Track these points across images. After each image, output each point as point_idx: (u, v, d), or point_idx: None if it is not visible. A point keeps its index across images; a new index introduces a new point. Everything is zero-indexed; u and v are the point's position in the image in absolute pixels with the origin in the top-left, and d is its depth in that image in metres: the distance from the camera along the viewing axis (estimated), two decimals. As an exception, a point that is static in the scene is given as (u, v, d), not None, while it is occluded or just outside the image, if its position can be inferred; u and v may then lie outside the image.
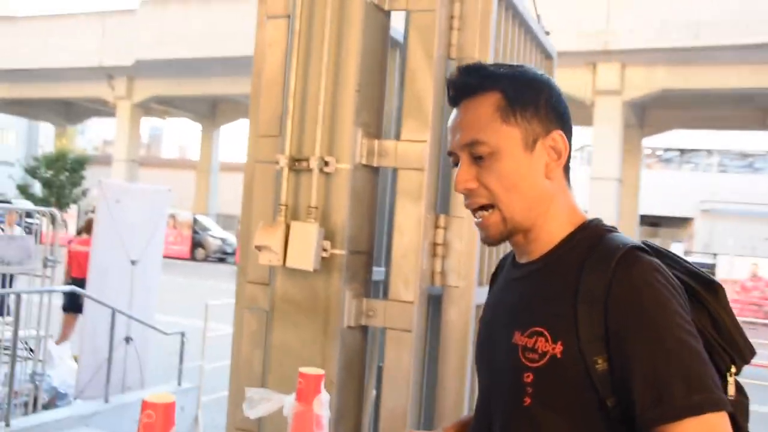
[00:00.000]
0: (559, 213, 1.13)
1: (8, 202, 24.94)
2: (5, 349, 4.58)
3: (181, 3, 23.88)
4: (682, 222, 30.97)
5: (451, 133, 1.15)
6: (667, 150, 33.26)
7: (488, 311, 1.24)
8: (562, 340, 1.02)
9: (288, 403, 1.54)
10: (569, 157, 1.15)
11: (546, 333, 1.04)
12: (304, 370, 1.52)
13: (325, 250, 2.13)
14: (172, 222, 25.53)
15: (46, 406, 5.40)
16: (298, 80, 2.21)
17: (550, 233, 1.12)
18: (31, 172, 28.55)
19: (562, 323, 1.03)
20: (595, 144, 19.74)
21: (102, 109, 30.55)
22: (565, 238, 1.11)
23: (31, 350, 4.85)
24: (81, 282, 6.38)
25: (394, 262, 2.23)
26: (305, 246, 2.07)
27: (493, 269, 1.38)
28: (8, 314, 5.37)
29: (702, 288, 1.08)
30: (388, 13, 2.37)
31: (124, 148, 27.31)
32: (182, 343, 5.71)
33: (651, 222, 30.04)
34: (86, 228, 7.06)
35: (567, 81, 18.46)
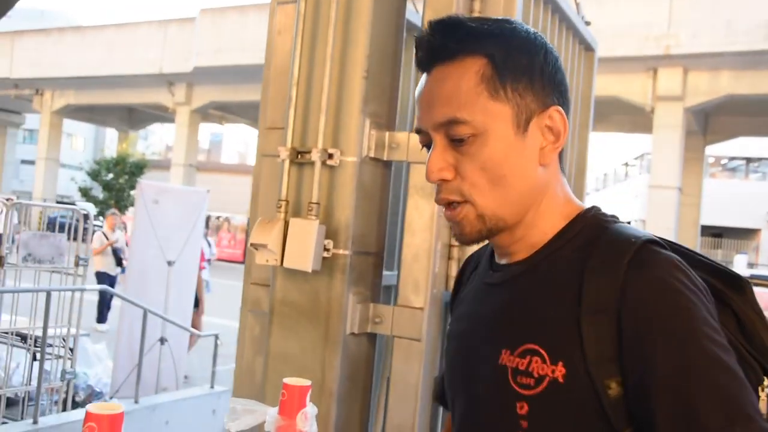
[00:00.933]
0: (552, 205, 0.92)
1: (72, 203, 25.95)
2: (38, 346, 4.61)
3: (238, 11, 24.30)
4: (747, 233, 29.55)
5: (420, 107, 0.92)
6: (732, 159, 31.84)
7: (459, 323, 1.02)
8: (563, 360, 0.81)
9: (270, 416, 1.40)
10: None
11: (542, 352, 0.83)
12: (288, 380, 1.37)
13: (327, 249, 1.97)
14: (226, 225, 25.89)
15: (82, 404, 5.42)
16: (302, 66, 2.06)
17: (542, 229, 0.92)
18: (93, 175, 29.53)
19: (562, 339, 0.82)
20: (654, 151, 19.01)
21: (163, 114, 31.38)
22: (557, 234, 0.91)
23: (63, 347, 4.87)
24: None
25: (403, 264, 2.05)
26: (304, 245, 1.92)
27: None
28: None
29: (726, 287, 0.86)
30: (404, -4, 2.20)
31: (182, 153, 27.93)
32: (216, 346, 5.64)
33: (713, 233, 28.77)
34: None
35: (626, 86, 17.91)
